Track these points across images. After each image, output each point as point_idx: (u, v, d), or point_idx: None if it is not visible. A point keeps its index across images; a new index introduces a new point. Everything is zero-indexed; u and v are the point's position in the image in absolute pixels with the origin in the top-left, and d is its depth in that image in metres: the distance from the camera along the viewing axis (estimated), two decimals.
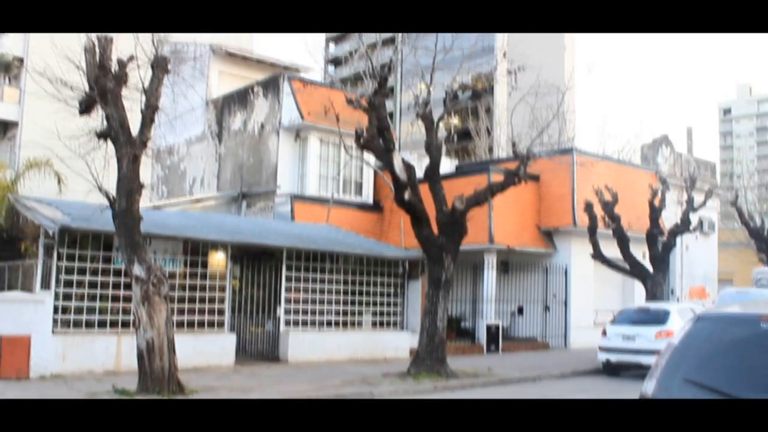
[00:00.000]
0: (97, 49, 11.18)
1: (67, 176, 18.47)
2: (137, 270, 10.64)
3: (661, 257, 21.18)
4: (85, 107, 11.32)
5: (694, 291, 27.25)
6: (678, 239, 22.90)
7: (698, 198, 23.39)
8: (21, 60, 35.34)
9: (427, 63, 13.53)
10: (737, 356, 4.87)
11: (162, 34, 11.58)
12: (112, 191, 10.90)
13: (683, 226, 22.04)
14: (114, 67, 11.23)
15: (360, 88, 13.64)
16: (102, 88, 10.97)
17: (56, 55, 11.13)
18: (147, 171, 24.27)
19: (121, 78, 11.20)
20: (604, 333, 16.00)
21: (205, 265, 14.62)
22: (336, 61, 78.85)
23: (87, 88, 11.15)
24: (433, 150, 13.29)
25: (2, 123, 36.65)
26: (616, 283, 23.53)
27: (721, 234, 32.24)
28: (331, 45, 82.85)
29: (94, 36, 11.13)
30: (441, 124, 14.10)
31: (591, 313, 22.15)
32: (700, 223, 26.20)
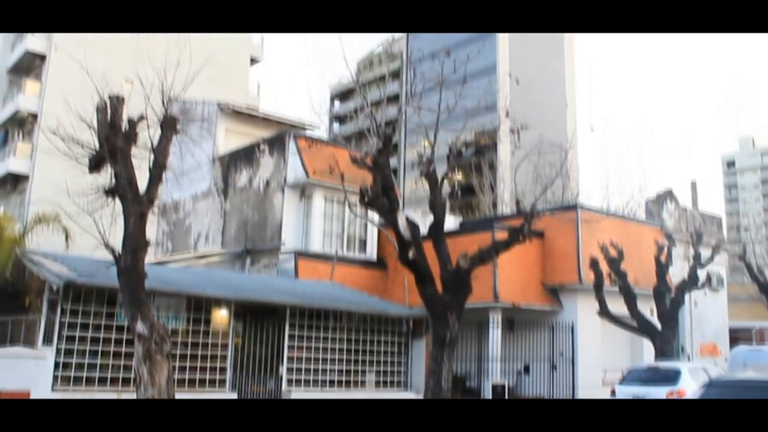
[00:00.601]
0: (109, 109, 11.40)
1: (74, 232, 18.62)
2: (140, 327, 10.61)
3: (670, 314, 21.00)
4: (95, 165, 11.47)
5: (705, 348, 26.90)
6: (686, 295, 22.74)
7: (705, 253, 23.31)
8: (35, 116, 36.05)
9: (430, 120, 13.70)
10: None
11: (173, 93, 11.83)
12: (118, 248, 10.96)
13: (691, 282, 21.92)
14: (124, 126, 11.43)
15: (364, 145, 13.80)
16: (112, 146, 11.14)
17: (69, 114, 11.36)
18: (152, 227, 24.44)
19: (131, 137, 11.38)
20: (613, 393, 15.75)
21: (207, 322, 14.57)
22: (340, 119, 79.98)
23: (97, 147, 11.32)
24: (437, 208, 13.34)
25: (14, 177, 37.16)
26: (624, 340, 23.27)
27: (731, 288, 31.97)
28: (336, 102, 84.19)
29: (106, 96, 11.37)
30: (445, 181, 14.19)
31: (599, 371, 21.86)
32: (708, 278, 26.02)
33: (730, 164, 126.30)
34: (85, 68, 12.44)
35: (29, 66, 39.29)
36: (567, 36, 77.47)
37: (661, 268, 21.24)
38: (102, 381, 13.04)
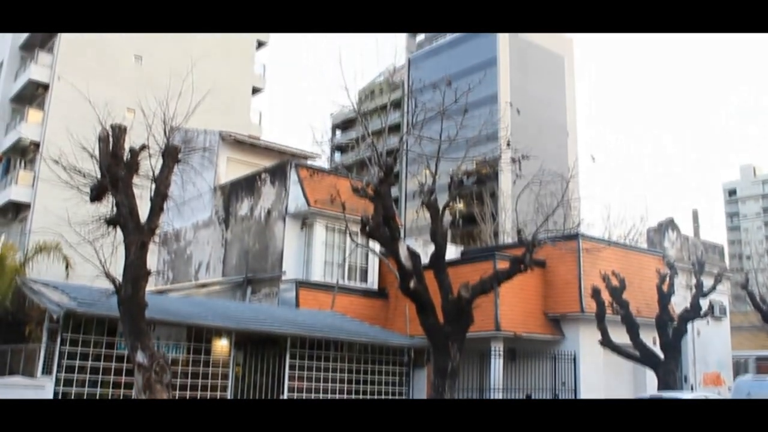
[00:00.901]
0: (111, 138, 11.47)
1: (75, 261, 18.61)
2: (140, 357, 10.57)
3: (672, 344, 20.85)
4: (97, 194, 11.52)
5: (709, 378, 26.68)
6: (689, 325, 22.61)
7: (707, 282, 23.21)
8: (37, 144, 36.24)
9: (431, 150, 13.76)
10: None
11: (175, 123, 11.91)
12: (119, 277, 10.95)
13: (693, 312, 21.79)
14: (126, 155, 11.48)
15: (365, 175, 13.84)
16: (114, 176, 11.20)
17: (71, 143, 11.42)
18: (153, 256, 24.40)
19: (133, 166, 11.44)
20: None
21: (208, 351, 14.48)
22: (342, 148, 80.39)
23: (99, 176, 11.37)
24: (438, 238, 13.33)
25: (15, 205, 37.23)
26: (627, 370, 23.09)
27: (734, 317, 31.84)
28: (338, 132, 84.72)
29: (108, 125, 11.44)
30: (446, 210, 14.20)
31: None
32: (711, 307, 25.92)
33: (732, 193, 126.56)
34: (88, 98, 12.52)
35: (32, 95, 39.60)
36: (567, 65, 78.10)
37: (664, 298, 21.15)
38: None
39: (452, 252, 25.03)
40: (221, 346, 14.74)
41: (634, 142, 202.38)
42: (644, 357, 20.42)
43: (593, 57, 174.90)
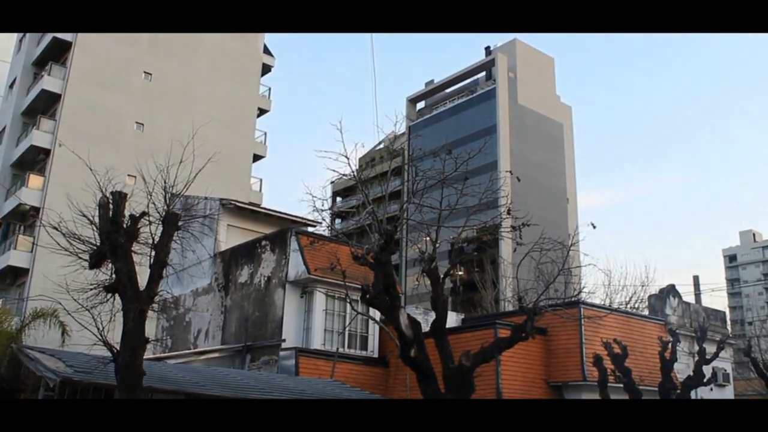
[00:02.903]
0: (111, 205, 11.51)
1: (72, 327, 18.44)
2: None
3: None
4: (96, 261, 11.50)
5: None
6: (692, 392, 22.26)
7: (710, 348, 22.97)
8: (37, 210, 36.36)
9: (431, 217, 13.78)
10: None
11: (175, 190, 11.98)
12: (117, 344, 10.82)
13: (697, 379, 21.48)
14: (126, 222, 11.50)
15: (366, 242, 13.82)
16: (113, 243, 11.20)
17: (71, 209, 11.47)
18: (152, 323, 24.19)
19: (133, 233, 11.44)
20: None
21: None
22: (342, 215, 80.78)
23: (98, 243, 11.37)
24: (439, 306, 13.22)
25: (13, 270, 37.11)
26: None
27: (737, 384, 31.31)
28: (338, 199, 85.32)
29: (109, 192, 11.50)
30: (447, 278, 14.12)
31: None
32: (714, 374, 25.55)
33: (732, 258, 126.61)
34: (89, 164, 12.60)
35: (33, 160, 39.96)
36: (566, 132, 79.19)
37: (666, 365, 20.87)
38: None
39: (453, 319, 24.83)
40: None
41: (634, 209, 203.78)
42: None
43: (592, 123, 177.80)
